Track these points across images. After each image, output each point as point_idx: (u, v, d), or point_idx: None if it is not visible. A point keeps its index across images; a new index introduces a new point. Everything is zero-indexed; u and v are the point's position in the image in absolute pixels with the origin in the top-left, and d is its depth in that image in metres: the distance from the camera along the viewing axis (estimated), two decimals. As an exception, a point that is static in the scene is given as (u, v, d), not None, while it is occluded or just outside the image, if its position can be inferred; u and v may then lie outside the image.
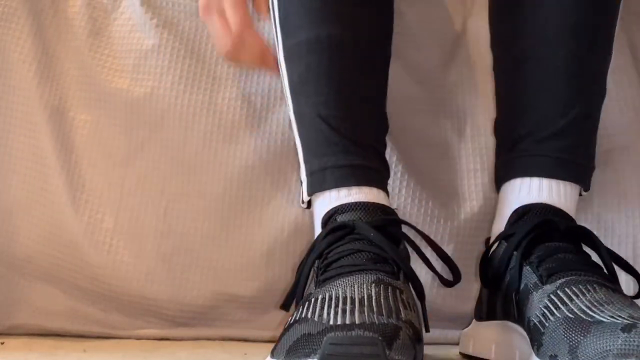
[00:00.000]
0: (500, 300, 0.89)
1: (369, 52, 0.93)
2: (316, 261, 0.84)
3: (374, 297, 0.74)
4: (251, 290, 1.10)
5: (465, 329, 0.99)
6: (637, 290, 0.86)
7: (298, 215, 1.09)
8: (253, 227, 1.10)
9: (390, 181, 0.97)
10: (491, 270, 0.89)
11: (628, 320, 0.70)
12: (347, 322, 0.70)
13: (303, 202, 0.92)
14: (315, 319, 0.72)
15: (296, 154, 0.93)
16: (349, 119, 0.89)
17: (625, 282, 0.93)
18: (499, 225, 0.92)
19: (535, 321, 0.78)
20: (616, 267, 0.86)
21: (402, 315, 0.73)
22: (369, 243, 0.82)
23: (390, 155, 1.07)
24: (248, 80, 1.12)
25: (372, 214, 0.85)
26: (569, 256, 0.83)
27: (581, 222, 0.95)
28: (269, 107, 1.12)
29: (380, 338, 0.65)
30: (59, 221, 1.11)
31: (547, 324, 0.76)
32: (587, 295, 0.76)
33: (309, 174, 0.90)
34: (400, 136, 1.08)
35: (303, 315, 0.74)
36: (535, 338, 0.78)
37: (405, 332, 0.70)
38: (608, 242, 1.04)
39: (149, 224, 1.10)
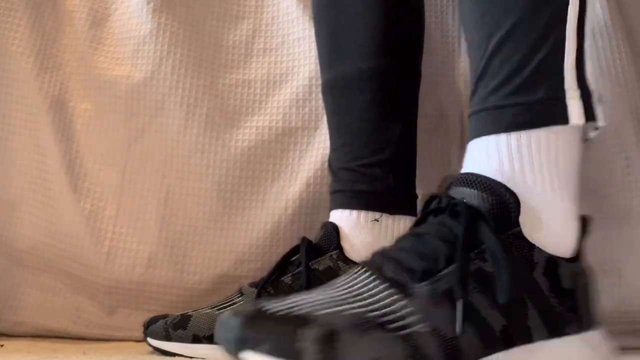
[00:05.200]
0: None
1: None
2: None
3: None
4: (254, 272, 1.09)
5: None
6: None
7: (302, 192, 1.08)
8: (256, 208, 1.09)
9: None
10: None
11: None
12: None
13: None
14: None
15: None
16: None
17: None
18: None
19: None
20: None
21: None
22: None
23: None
24: (247, 65, 1.13)
25: None
26: None
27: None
28: (269, 91, 1.12)
29: None
30: (61, 211, 1.10)
31: None
32: None
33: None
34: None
35: None
36: None
37: None
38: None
39: (150, 209, 1.10)
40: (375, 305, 0.63)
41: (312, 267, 0.95)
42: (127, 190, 1.10)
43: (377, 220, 0.95)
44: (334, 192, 0.99)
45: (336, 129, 1.00)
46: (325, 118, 1.11)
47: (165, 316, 0.98)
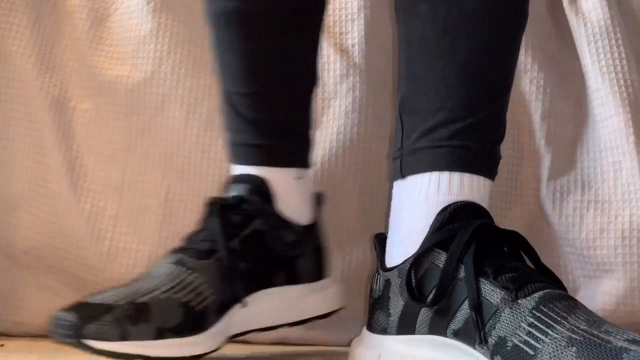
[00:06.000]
0: (428, 314, 0.78)
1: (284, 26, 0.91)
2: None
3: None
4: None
5: (357, 338, 0.88)
6: None
7: (302, 192, 1.08)
8: (256, 209, 1.09)
9: None
10: (426, 281, 0.78)
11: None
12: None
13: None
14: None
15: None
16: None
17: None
18: (411, 224, 0.81)
19: (517, 342, 0.70)
20: None
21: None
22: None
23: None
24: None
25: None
26: (519, 265, 0.76)
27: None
28: (269, 91, 1.12)
29: None
30: (61, 211, 1.10)
31: (539, 346, 0.69)
32: (572, 311, 0.71)
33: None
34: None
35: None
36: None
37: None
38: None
39: (151, 209, 1.10)
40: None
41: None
42: (128, 190, 1.10)
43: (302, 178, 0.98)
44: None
45: None
46: (325, 118, 1.11)
47: (82, 306, 0.83)
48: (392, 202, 0.85)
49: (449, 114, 0.80)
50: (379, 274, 0.85)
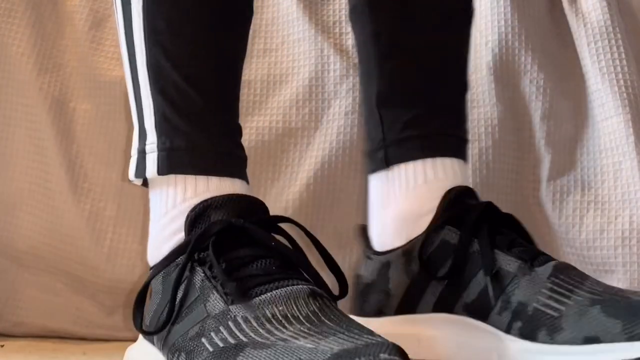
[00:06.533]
0: (436, 290, 0.81)
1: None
2: (200, 268, 0.69)
3: (330, 315, 0.64)
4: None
5: None
6: None
7: (302, 193, 1.08)
8: (256, 209, 1.09)
9: None
10: (440, 257, 0.81)
11: None
12: (345, 347, 0.56)
13: (139, 176, 0.77)
14: (282, 344, 0.59)
15: (138, 116, 0.76)
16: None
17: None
18: (412, 209, 0.85)
19: (539, 306, 0.74)
20: None
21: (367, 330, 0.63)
22: (265, 247, 0.69)
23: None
24: (247, 65, 1.13)
25: (252, 211, 0.72)
26: (523, 241, 0.81)
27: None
28: (269, 91, 1.12)
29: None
30: (61, 211, 1.10)
31: (562, 308, 0.73)
32: (586, 278, 0.76)
33: (166, 148, 0.74)
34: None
35: (250, 339, 0.62)
36: (540, 323, 0.74)
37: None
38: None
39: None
40: None
41: None
42: (128, 190, 1.10)
43: None
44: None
45: None
46: (325, 118, 1.11)
47: None
48: (374, 193, 0.89)
49: (431, 104, 0.86)
50: (369, 260, 0.87)
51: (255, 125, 1.10)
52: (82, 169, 1.11)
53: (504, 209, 1.07)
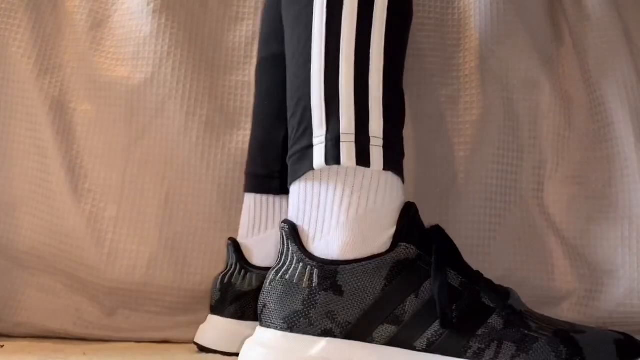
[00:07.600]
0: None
1: None
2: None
3: None
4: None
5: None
6: None
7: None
8: (256, 210, 1.09)
9: None
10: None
11: None
12: None
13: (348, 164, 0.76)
14: None
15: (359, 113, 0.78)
16: None
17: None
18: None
19: None
20: None
21: None
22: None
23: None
24: (247, 66, 1.13)
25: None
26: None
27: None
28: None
29: None
30: (61, 212, 1.10)
31: None
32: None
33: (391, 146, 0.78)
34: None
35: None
36: None
37: None
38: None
39: (150, 210, 1.10)
40: None
41: None
42: (128, 191, 1.10)
43: None
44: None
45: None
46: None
47: None
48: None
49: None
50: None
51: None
52: (83, 169, 1.11)
53: (504, 210, 1.07)
